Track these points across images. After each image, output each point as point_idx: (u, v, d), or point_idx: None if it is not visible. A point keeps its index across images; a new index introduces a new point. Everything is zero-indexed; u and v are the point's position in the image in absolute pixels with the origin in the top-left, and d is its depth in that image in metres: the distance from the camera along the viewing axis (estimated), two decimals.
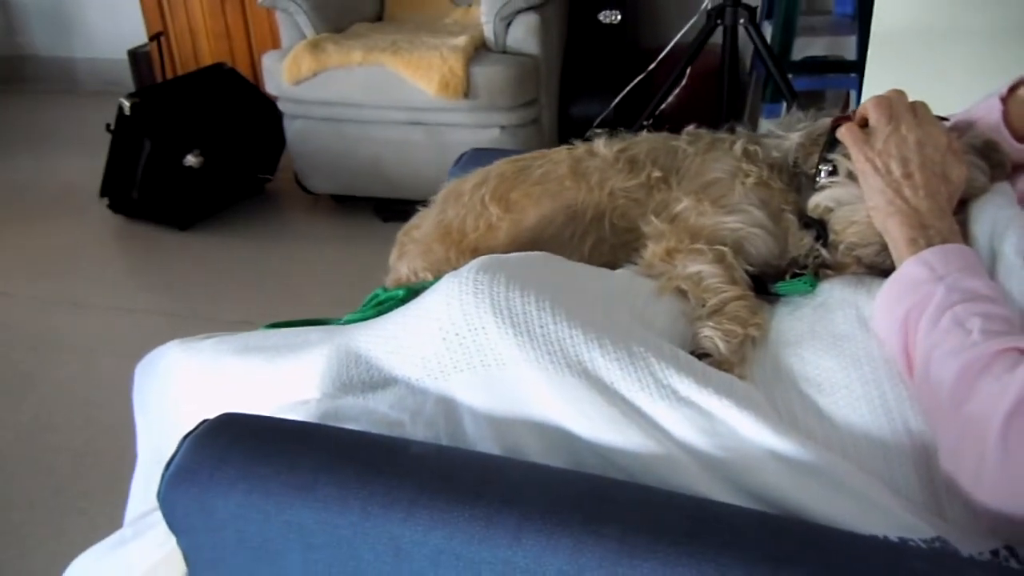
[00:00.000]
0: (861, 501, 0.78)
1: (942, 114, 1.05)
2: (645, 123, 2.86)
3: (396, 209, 3.12)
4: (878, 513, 0.77)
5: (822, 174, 1.02)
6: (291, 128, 3.08)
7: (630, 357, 0.83)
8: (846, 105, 3.44)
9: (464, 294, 0.85)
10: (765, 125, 1.12)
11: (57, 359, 2.44)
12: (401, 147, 2.98)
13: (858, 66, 3.15)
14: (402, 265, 1.18)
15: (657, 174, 1.08)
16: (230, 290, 2.79)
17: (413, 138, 2.97)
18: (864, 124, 0.98)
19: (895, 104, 0.98)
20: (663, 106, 2.85)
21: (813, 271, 1.02)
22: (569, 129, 3.26)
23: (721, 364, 0.90)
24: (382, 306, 1.06)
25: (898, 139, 0.95)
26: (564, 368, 0.82)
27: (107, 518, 1.68)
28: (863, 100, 2.18)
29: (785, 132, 1.09)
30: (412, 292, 1.08)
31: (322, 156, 3.07)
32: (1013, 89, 1.04)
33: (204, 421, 0.79)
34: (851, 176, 0.98)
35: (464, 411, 0.85)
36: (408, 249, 1.18)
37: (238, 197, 3.30)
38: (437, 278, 1.10)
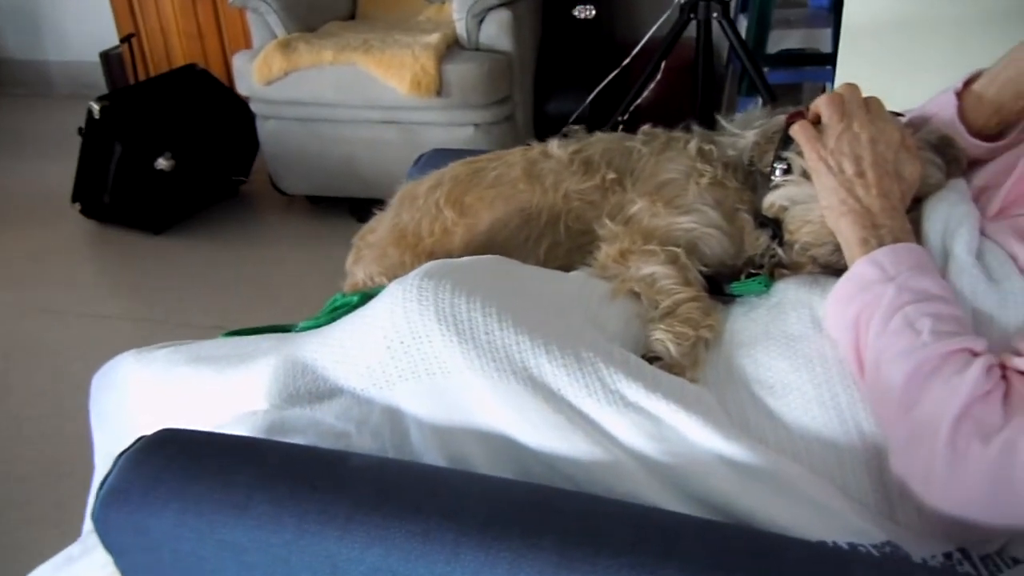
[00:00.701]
0: (811, 506, 0.77)
1: (897, 110, 1.04)
2: (620, 119, 2.84)
3: (371, 209, 3.09)
4: (828, 518, 0.76)
5: (777, 172, 1.00)
6: (264, 129, 3.05)
7: (578, 362, 0.81)
8: None
9: (408, 302, 0.84)
10: (722, 122, 1.10)
11: (29, 366, 2.41)
12: (375, 146, 2.96)
13: (834, 58, 3.14)
14: (358, 270, 1.16)
15: (612, 176, 1.07)
16: (204, 294, 2.77)
17: (387, 137, 2.95)
18: (817, 121, 0.97)
19: (848, 101, 0.96)
20: (638, 101, 2.84)
21: (769, 271, 1.01)
22: (545, 126, 3.25)
23: (673, 367, 0.88)
24: (335, 313, 1.05)
25: (850, 136, 0.94)
26: (509, 375, 0.80)
27: (79, 530, 1.66)
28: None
29: (741, 130, 1.08)
30: (366, 297, 1.06)
31: (296, 157, 3.05)
32: (968, 84, 1.03)
33: (140, 438, 0.78)
34: (805, 175, 0.97)
35: (410, 421, 0.83)
36: (364, 254, 1.17)
37: (212, 200, 3.27)
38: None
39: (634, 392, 0.80)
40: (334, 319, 1.03)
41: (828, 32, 3.18)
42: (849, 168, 0.92)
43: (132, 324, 2.62)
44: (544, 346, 0.82)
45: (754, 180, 1.04)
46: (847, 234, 0.91)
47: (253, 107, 3.04)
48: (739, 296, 0.99)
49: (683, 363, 0.89)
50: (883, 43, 2.09)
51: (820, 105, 0.98)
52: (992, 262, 0.86)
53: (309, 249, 3.03)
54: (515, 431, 0.80)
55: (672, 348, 0.89)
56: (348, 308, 1.04)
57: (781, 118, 1.05)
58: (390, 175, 2.91)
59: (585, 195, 1.07)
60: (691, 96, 2.86)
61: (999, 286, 0.84)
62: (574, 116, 3.16)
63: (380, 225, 1.17)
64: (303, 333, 0.99)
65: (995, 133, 1.03)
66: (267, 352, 0.95)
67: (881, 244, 0.88)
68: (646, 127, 1.13)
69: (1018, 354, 0.77)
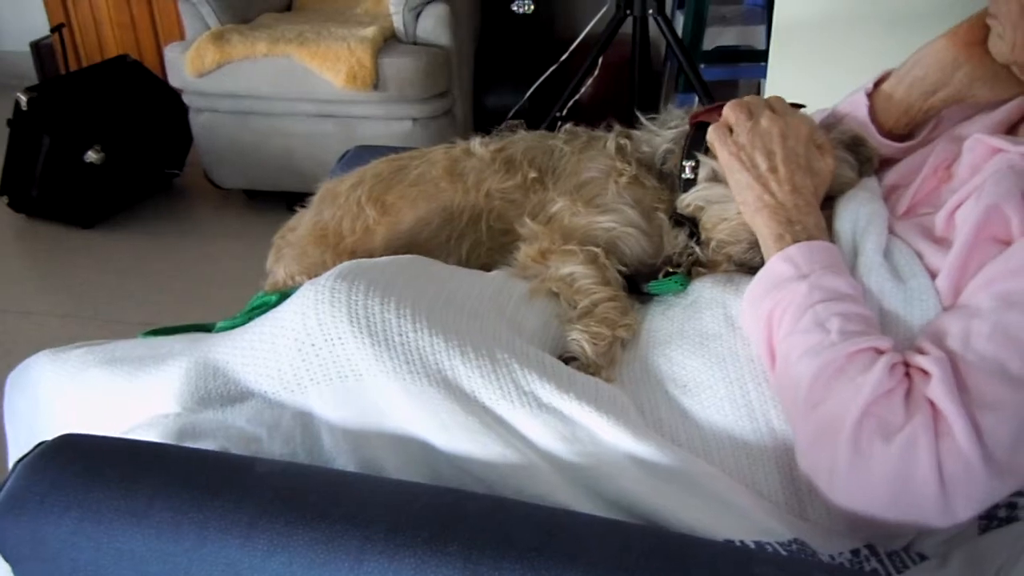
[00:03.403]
0: (720, 505, 0.78)
1: (800, 102, 1.05)
2: (559, 114, 2.84)
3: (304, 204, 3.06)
4: (737, 517, 0.77)
5: (686, 170, 1.01)
6: (197, 122, 2.99)
7: (492, 364, 0.81)
8: (758, 93, 3.48)
9: (320, 303, 0.83)
10: (641, 119, 1.11)
11: None
12: (312, 140, 2.92)
13: (768, 55, 3.18)
14: (279, 269, 1.15)
15: (533, 175, 1.06)
16: (136, 290, 2.71)
17: (324, 130, 2.91)
18: (728, 129, 0.98)
19: (751, 103, 0.98)
20: (577, 96, 2.84)
21: (687, 269, 1.02)
22: (484, 120, 3.24)
23: (589, 367, 0.89)
24: (253, 313, 1.03)
25: (760, 131, 0.95)
26: (423, 378, 0.80)
27: None
28: (768, 91, 2.20)
29: (658, 128, 1.09)
30: (284, 297, 1.05)
31: (230, 150, 2.99)
32: (878, 84, 1.05)
33: (39, 444, 0.75)
34: (716, 176, 0.98)
35: (321, 425, 0.82)
36: (284, 252, 1.15)
37: (144, 193, 3.20)
38: None
39: (547, 393, 0.80)
40: (251, 319, 1.01)
41: (762, 29, 3.22)
42: (762, 163, 0.94)
43: (60, 321, 2.55)
44: (459, 348, 0.81)
45: (671, 180, 1.05)
46: (763, 230, 0.92)
47: (186, 99, 2.98)
48: (657, 295, 0.99)
49: (599, 363, 0.89)
50: (813, 40, 2.12)
51: (726, 110, 0.99)
52: (899, 260, 0.87)
53: (245, 243, 2.98)
54: (428, 434, 0.79)
55: (588, 348, 0.89)
56: (266, 308, 1.03)
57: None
58: (327, 169, 2.87)
59: (507, 194, 1.07)
60: (629, 92, 2.87)
61: (905, 284, 0.85)
62: (513, 111, 3.16)
63: (301, 223, 1.15)
64: (218, 334, 0.97)
65: (905, 132, 1.05)
66: (180, 354, 0.93)
67: (796, 240, 0.89)
68: (569, 126, 1.13)
69: (920, 352, 0.78)
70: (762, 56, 3.21)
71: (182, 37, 3.06)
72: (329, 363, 0.82)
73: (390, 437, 0.80)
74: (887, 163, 1.03)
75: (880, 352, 0.79)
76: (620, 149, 1.06)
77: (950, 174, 0.93)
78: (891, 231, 0.90)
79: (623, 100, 2.97)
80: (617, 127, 1.11)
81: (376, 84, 2.75)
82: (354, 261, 0.91)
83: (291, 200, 3.03)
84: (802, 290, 0.84)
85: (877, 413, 0.75)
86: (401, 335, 0.81)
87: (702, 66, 3.04)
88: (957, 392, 0.74)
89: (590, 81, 2.83)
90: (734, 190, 0.96)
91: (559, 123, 2.83)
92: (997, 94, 0.97)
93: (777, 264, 0.88)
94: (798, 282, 0.85)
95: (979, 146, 0.89)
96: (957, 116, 1.02)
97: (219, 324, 1.06)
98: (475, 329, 0.86)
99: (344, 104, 2.83)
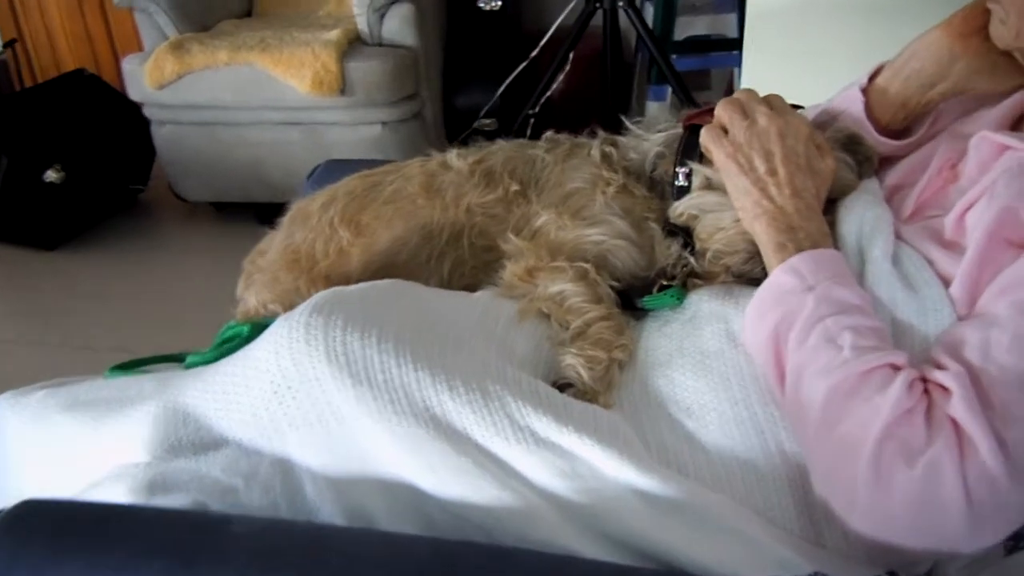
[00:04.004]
0: (733, 538, 0.73)
1: (799, 103, 1.01)
2: (531, 112, 2.79)
3: (280, 214, 2.98)
4: (752, 551, 0.72)
5: (680, 177, 0.96)
6: (159, 135, 2.91)
7: (484, 398, 0.76)
8: (730, 85, 3.44)
9: (295, 342, 0.77)
10: (626, 124, 1.05)
11: None
12: (279, 148, 2.85)
13: (740, 43, 3.14)
14: (250, 296, 1.08)
15: (515, 187, 1.01)
16: (105, 313, 2.62)
17: (291, 138, 2.84)
18: (723, 130, 0.93)
19: (746, 101, 0.93)
20: (549, 93, 2.79)
21: (682, 281, 0.97)
22: (455, 121, 3.18)
23: (585, 394, 0.84)
24: (224, 347, 0.97)
25: (758, 131, 0.90)
26: (409, 417, 0.74)
27: None
28: (743, 81, 2.15)
29: (644, 132, 1.04)
30: (258, 328, 0.99)
31: (195, 163, 2.91)
32: (872, 78, 1.00)
33: None
34: (710, 184, 0.93)
35: (302, 473, 0.77)
36: (255, 278, 1.09)
37: (108, 211, 3.11)
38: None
39: (544, 427, 0.75)
40: (223, 354, 0.96)
41: (733, 17, 3.18)
42: (761, 166, 0.89)
43: (26, 349, 2.47)
44: (447, 382, 0.76)
45: (661, 187, 1.00)
46: (763, 238, 0.88)
47: (147, 112, 2.89)
48: (652, 310, 0.94)
49: (596, 388, 0.84)
50: (788, 27, 2.08)
51: (719, 109, 0.94)
52: (909, 267, 0.83)
53: (215, 258, 2.90)
54: (418, 479, 0.74)
55: (584, 373, 0.84)
56: (238, 341, 0.97)
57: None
58: (296, 178, 2.81)
59: (488, 208, 1.01)
60: (601, 86, 2.82)
61: (918, 293, 0.81)
62: (484, 110, 3.10)
63: (271, 247, 1.09)
64: (188, 373, 0.91)
65: (901, 128, 1.00)
66: (147, 398, 0.87)
67: (799, 249, 0.84)
68: (549, 133, 1.08)
69: (939, 367, 0.74)
70: (734, 44, 3.18)
71: (140, 48, 2.98)
72: (308, 406, 0.76)
73: (378, 483, 0.75)
74: (886, 162, 0.98)
75: (896, 368, 0.74)
76: (606, 157, 1.01)
77: (956, 174, 0.88)
78: (898, 236, 0.86)
79: (595, 94, 2.92)
80: (601, 133, 1.05)
81: (343, 89, 2.68)
82: (330, 290, 0.85)
83: (260, 211, 3.02)
84: (809, 303, 0.79)
85: (898, 434, 0.70)
86: (384, 372, 0.75)
87: (674, 57, 2.99)
88: (980, 408, 0.69)
89: (561, 77, 2.78)
90: (732, 195, 0.91)
91: (531, 121, 2.80)
92: (997, 85, 0.92)
93: (781, 276, 0.83)
94: (804, 295, 0.80)
95: (985, 144, 0.85)
96: (956, 109, 0.98)
97: (189, 358, 1.01)
98: (463, 359, 0.80)
99: (310, 111, 2.76)
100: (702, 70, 3.44)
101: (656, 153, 0.99)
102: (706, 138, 0.93)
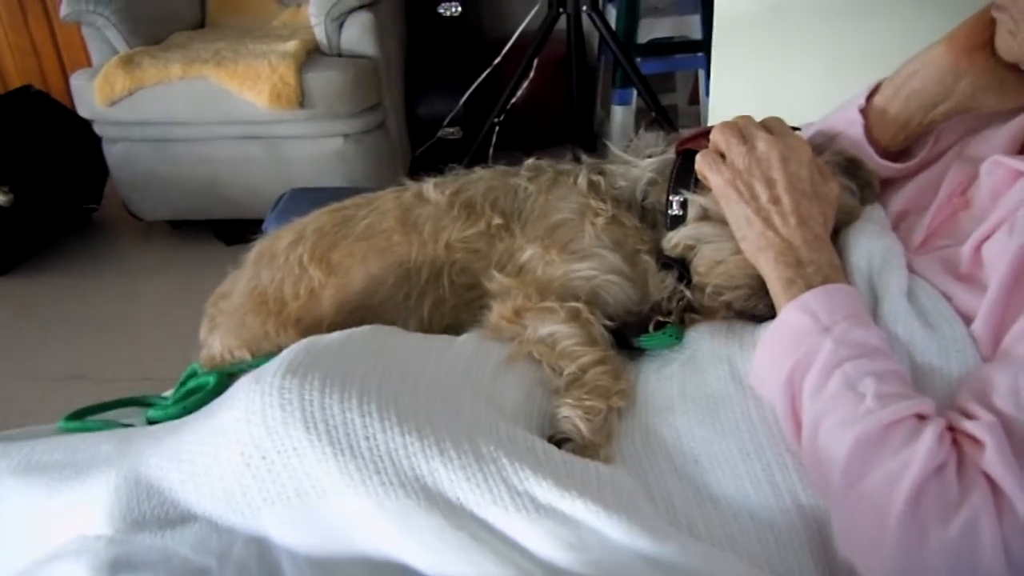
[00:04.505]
0: None
1: (796, 124, 0.96)
2: (496, 120, 2.73)
3: (240, 230, 2.90)
4: None
5: (673, 206, 0.91)
6: (112, 153, 2.81)
7: (478, 462, 0.69)
8: (695, 85, 3.41)
9: (269, 408, 0.70)
10: (613, 150, 0.99)
11: None
12: (237, 164, 2.76)
13: (704, 45, 3.11)
14: (214, 341, 1.01)
15: (498, 220, 0.94)
16: (60, 338, 2.52)
17: (249, 153, 2.75)
18: (720, 155, 0.87)
19: (744, 125, 0.88)
20: (514, 100, 2.74)
21: (678, 316, 0.91)
22: (419, 131, 3.11)
23: (585, 448, 0.78)
24: (188, 401, 0.90)
25: (757, 156, 0.85)
26: (398, 489, 0.67)
27: None
28: (711, 84, 2.11)
29: (634, 158, 0.98)
30: (224, 378, 0.93)
31: (150, 180, 2.81)
32: (870, 97, 0.95)
33: None
34: (706, 213, 0.88)
35: (280, 552, 0.70)
36: (219, 322, 1.01)
37: (61, 232, 3.00)
38: (255, 360, 0.95)
39: (545, 492, 0.68)
40: (187, 408, 0.89)
41: (697, 19, 3.15)
42: (763, 193, 0.83)
43: None
44: (437, 446, 0.69)
45: (653, 217, 0.94)
46: (770, 274, 0.82)
47: (98, 129, 2.79)
48: (649, 349, 0.89)
49: (596, 441, 0.78)
50: (757, 28, 2.04)
51: (715, 134, 0.88)
52: (926, 303, 0.78)
53: (173, 278, 2.81)
54: (410, 557, 0.67)
55: (583, 426, 0.78)
56: (203, 394, 0.90)
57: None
58: (256, 193, 2.76)
59: (469, 243, 0.95)
60: (565, 91, 2.77)
61: (937, 332, 0.76)
62: (448, 118, 3.04)
63: (236, 288, 1.02)
64: (149, 434, 0.84)
65: (902, 149, 0.95)
66: (106, 463, 0.80)
67: (809, 284, 0.79)
68: (531, 160, 1.01)
69: (968, 415, 0.69)
70: (698, 46, 3.14)
71: (89, 63, 2.87)
72: (285, 479, 0.69)
73: (364, 563, 0.68)
74: (888, 186, 0.93)
75: (923, 418, 0.69)
76: (593, 185, 0.95)
77: (967, 200, 0.83)
78: (909, 268, 0.81)
79: (560, 99, 2.88)
80: (587, 159, 0.99)
81: (302, 102, 2.60)
82: (304, 344, 0.78)
83: (220, 228, 2.93)
84: (827, 347, 0.74)
85: (931, 492, 0.65)
86: (368, 439, 0.69)
87: (638, 60, 2.95)
88: (1015, 461, 0.64)
89: (526, 83, 2.72)
90: (732, 224, 0.85)
91: (496, 127, 2.74)
92: (1005, 102, 0.87)
93: (793, 315, 0.78)
94: (820, 336, 0.75)
95: (999, 170, 0.80)
96: (959, 127, 0.93)
97: (150, 413, 0.94)
98: (452, 416, 0.74)
99: (269, 124, 2.68)
100: (667, 73, 3.41)
101: (647, 180, 0.94)
102: (702, 164, 0.88)
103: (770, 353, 0.78)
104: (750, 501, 0.74)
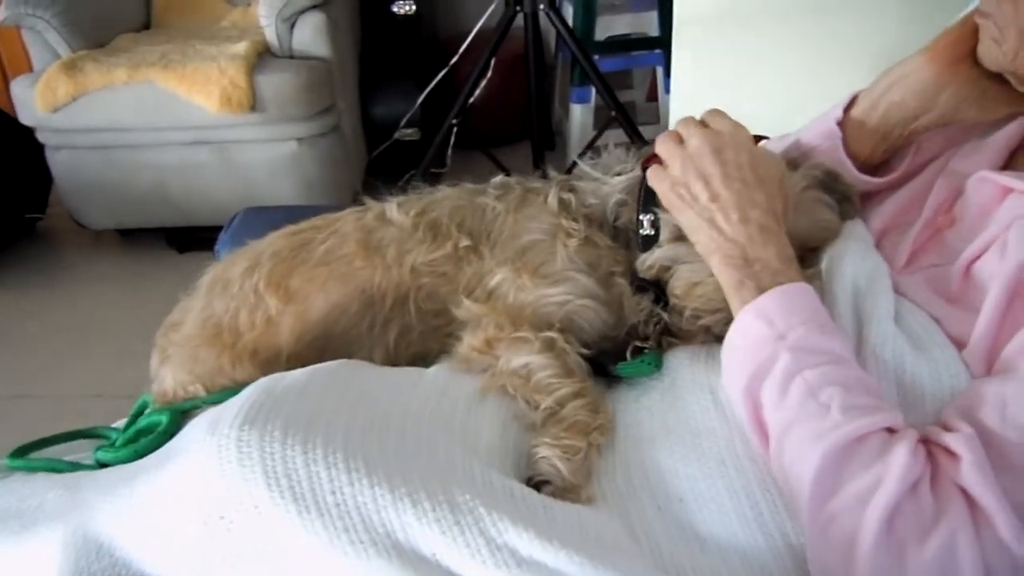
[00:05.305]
0: None
1: (764, 133, 0.92)
2: (454, 122, 2.68)
3: (192, 237, 2.83)
4: None
5: (644, 225, 0.87)
6: (55, 160, 2.71)
7: (453, 513, 0.65)
8: (654, 81, 3.38)
9: (226, 463, 0.65)
10: (582, 166, 0.95)
11: None
12: (187, 170, 2.68)
13: (662, 42, 3.09)
14: (166, 374, 0.95)
15: (465, 242, 0.90)
16: (4, 355, 2.43)
17: (199, 159, 2.67)
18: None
19: (682, 127, 0.84)
20: (472, 99, 2.68)
21: (656, 340, 0.88)
22: (375, 133, 3.04)
23: (565, 491, 0.73)
24: (139, 444, 0.85)
25: (691, 154, 0.82)
26: (368, 547, 0.63)
27: None
28: (672, 81, 2.09)
29: (603, 175, 0.94)
30: (177, 417, 0.88)
31: (96, 188, 2.72)
32: (847, 109, 0.91)
33: None
34: (680, 234, 0.84)
35: None
36: (171, 354, 0.95)
37: (4, 242, 2.89)
38: (210, 396, 0.90)
39: (526, 544, 0.64)
40: (138, 452, 0.84)
41: (654, 15, 3.12)
42: (701, 193, 0.80)
43: None
44: (409, 497, 0.65)
45: (626, 236, 0.90)
46: (720, 278, 0.79)
47: (40, 137, 2.69)
48: (627, 377, 0.85)
49: (576, 482, 0.74)
50: (717, 24, 2.02)
51: (658, 145, 0.85)
52: (915, 326, 0.75)
53: (124, 288, 2.73)
54: None
55: (562, 467, 0.74)
56: (156, 436, 0.85)
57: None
58: (208, 200, 2.68)
59: (436, 267, 0.90)
60: (523, 89, 2.73)
61: (928, 355, 0.73)
62: (405, 120, 2.98)
63: (187, 318, 0.96)
64: (97, 481, 0.79)
65: (880, 162, 0.92)
66: (54, 515, 0.75)
67: (759, 285, 0.76)
68: (499, 178, 0.97)
69: (947, 428, 0.66)
70: (656, 43, 3.12)
71: (30, 68, 2.75)
72: (245, 538, 0.64)
73: None
74: (868, 200, 0.90)
75: (892, 431, 0.67)
76: (564, 204, 0.91)
77: (952, 217, 0.81)
78: (896, 289, 0.78)
79: (518, 98, 2.83)
80: (557, 176, 0.95)
81: (253, 105, 2.53)
82: (262, 386, 0.73)
83: (171, 236, 2.84)
84: (783, 355, 0.71)
85: (905, 510, 0.63)
86: (335, 492, 0.64)
87: (596, 57, 2.91)
88: (993, 475, 0.62)
89: (483, 83, 2.68)
90: (688, 234, 0.83)
91: (455, 128, 2.69)
92: (988, 114, 0.85)
93: (747, 320, 0.75)
94: (776, 344, 0.72)
95: (986, 185, 0.77)
96: (940, 138, 0.90)
97: (99, 454, 0.88)
98: (424, 461, 0.69)
99: (220, 129, 2.60)
100: (625, 70, 3.38)
101: (617, 201, 0.90)
102: (652, 179, 0.85)
103: (730, 362, 0.75)
104: (739, 542, 0.71)
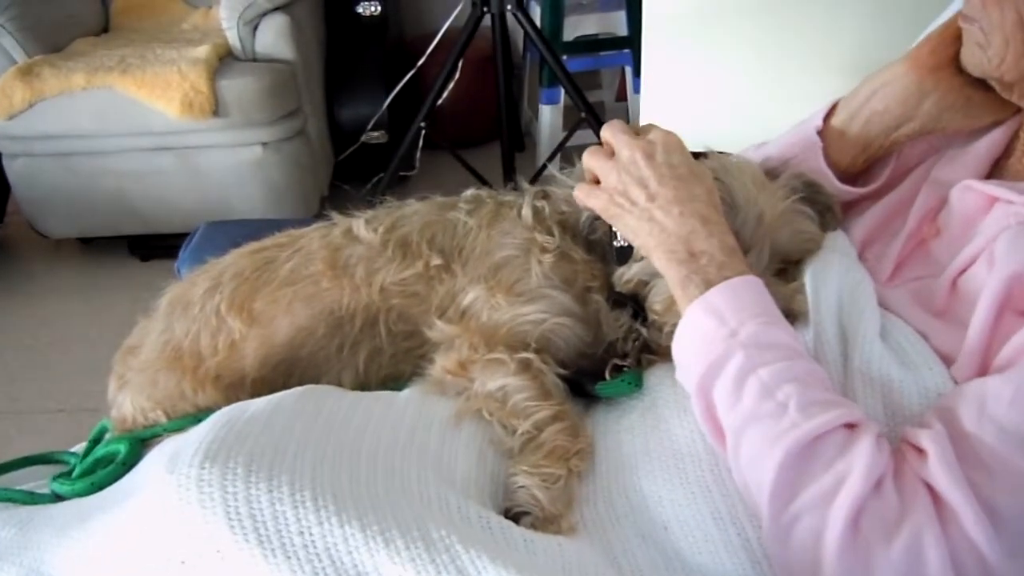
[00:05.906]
0: None
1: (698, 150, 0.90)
2: (423, 124, 2.64)
3: (155, 245, 2.76)
4: None
5: (618, 237, 0.84)
6: (12, 168, 2.63)
7: (428, 551, 0.62)
8: (623, 81, 3.36)
9: (186, 504, 0.61)
10: (556, 174, 0.91)
11: None
12: (149, 177, 2.61)
13: (631, 41, 3.07)
14: (124, 400, 0.91)
15: (437, 260, 0.86)
16: None
17: (162, 165, 2.60)
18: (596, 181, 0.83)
19: (610, 137, 0.82)
20: (439, 101, 2.65)
21: (635, 358, 0.85)
22: (341, 137, 3.00)
23: (545, 521, 0.70)
24: (96, 475, 0.81)
25: (623, 164, 0.80)
26: None
27: None
28: (642, 81, 2.07)
29: (576, 183, 0.91)
30: (137, 446, 0.84)
31: (55, 196, 2.64)
32: (827, 117, 0.89)
33: None
34: None
35: None
36: (129, 378, 0.91)
37: None
38: (171, 423, 0.86)
39: None
40: (95, 484, 0.80)
41: (622, 15, 3.10)
42: (639, 196, 0.78)
43: None
44: (381, 536, 0.62)
45: (602, 248, 0.88)
46: (666, 273, 0.77)
47: None
48: (607, 397, 0.82)
49: (556, 511, 0.71)
50: (687, 24, 2.01)
51: (585, 162, 0.84)
52: (901, 341, 0.73)
53: (85, 298, 2.66)
54: None
55: (542, 496, 0.71)
56: (114, 467, 0.81)
57: None
58: (170, 207, 2.62)
59: (406, 286, 0.87)
60: (491, 90, 2.70)
61: (916, 373, 0.71)
62: (372, 123, 2.93)
63: (146, 341, 0.91)
64: (52, 519, 0.75)
65: (861, 171, 0.90)
66: (6, 556, 0.72)
67: (706, 279, 0.74)
68: (471, 191, 0.93)
69: (921, 426, 0.65)
70: (625, 43, 3.10)
71: None
72: None
73: None
74: (849, 210, 0.88)
75: (852, 427, 0.65)
76: (538, 214, 0.88)
77: (937, 228, 0.78)
78: (881, 303, 0.75)
79: (486, 100, 2.80)
80: (530, 188, 0.92)
81: (216, 110, 2.48)
82: (224, 417, 0.69)
83: (133, 244, 2.77)
84: (737, 352, 0.69)
85: (870, 508, 0.61)
86: (302, 533, 0.61)
87: (565, 57, 2.89)
88: (961, 471, 0.61)
89: (451, 85, 2.64)
90: (630, 239, 0.81)
91: (423, 131, 2.65)
92: (971, 122, 0.83)
93: (697, 316, 0.73)
94: (727, 341, 0.70)
95: (970, 195, 0.75)
96: (922, 146, 0.88)
97: (54, 484, 0.84)
98: (397, 495, 0.66)
99: (182, 135, 2.55)
100: (593, 70, 3.36)
101: (590, 215, 0.87)
102: (581, 199, 0.83)
103: (679, 358, 0.73)
104: (726, 570, 0.68)
